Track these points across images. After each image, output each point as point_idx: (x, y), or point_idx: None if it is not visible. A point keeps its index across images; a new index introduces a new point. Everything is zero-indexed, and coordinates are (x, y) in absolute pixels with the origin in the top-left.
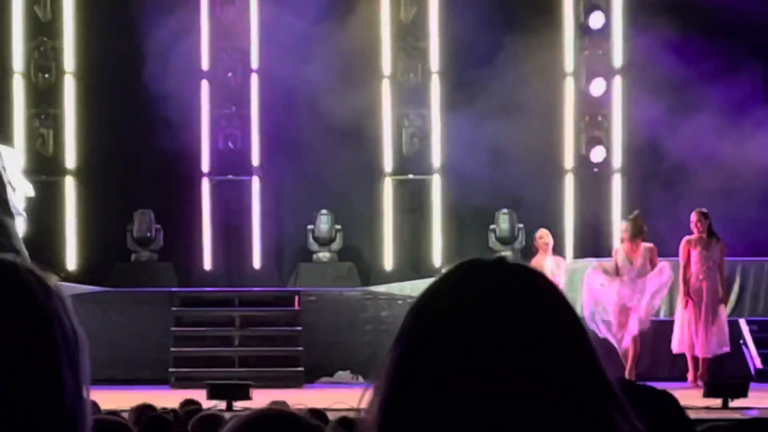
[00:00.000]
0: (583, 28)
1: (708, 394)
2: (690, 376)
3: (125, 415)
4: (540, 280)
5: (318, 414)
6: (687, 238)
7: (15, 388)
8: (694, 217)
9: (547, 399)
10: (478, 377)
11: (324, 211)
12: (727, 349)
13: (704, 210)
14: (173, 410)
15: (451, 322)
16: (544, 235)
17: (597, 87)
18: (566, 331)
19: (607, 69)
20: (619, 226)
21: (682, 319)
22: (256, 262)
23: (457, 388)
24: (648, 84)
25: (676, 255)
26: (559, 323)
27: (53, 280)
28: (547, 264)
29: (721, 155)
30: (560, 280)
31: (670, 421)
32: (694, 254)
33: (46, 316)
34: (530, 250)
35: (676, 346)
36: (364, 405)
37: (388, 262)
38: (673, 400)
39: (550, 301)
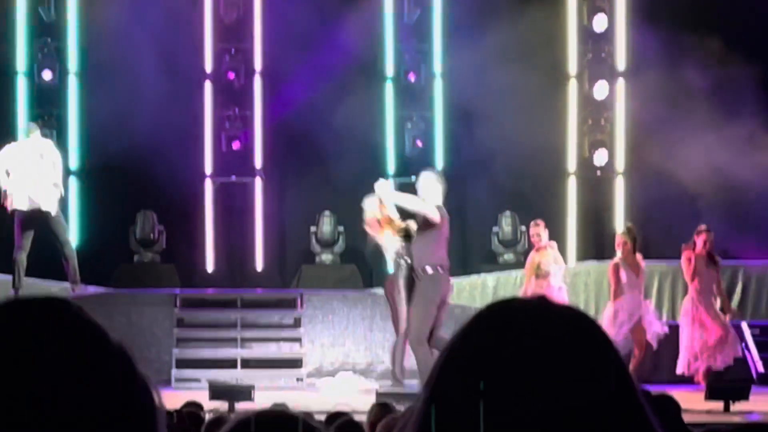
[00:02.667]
0: (586, 31)
1: (709, 397)
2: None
3: None
4: (590, 326)
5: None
6: (694, 254)
7: None
8: (704, 235)
9: None
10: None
11: (327, 212)
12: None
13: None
14: (176, 411)
15: (488, 374)
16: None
17: (600, 90)
18: (620, 384)
19: (611, 72)
20: (618, 235)
21: (692, 337)
22: (259, 264)
23: None
24: (651, 87)
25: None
26: (612, 376)
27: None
28: (547, 256)
29: (723, 158)
30: (561, 269)
31: (669, 426)
32: (705, 272)
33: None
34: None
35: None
36: None
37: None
38: (675, 405)
39: (603, 351)
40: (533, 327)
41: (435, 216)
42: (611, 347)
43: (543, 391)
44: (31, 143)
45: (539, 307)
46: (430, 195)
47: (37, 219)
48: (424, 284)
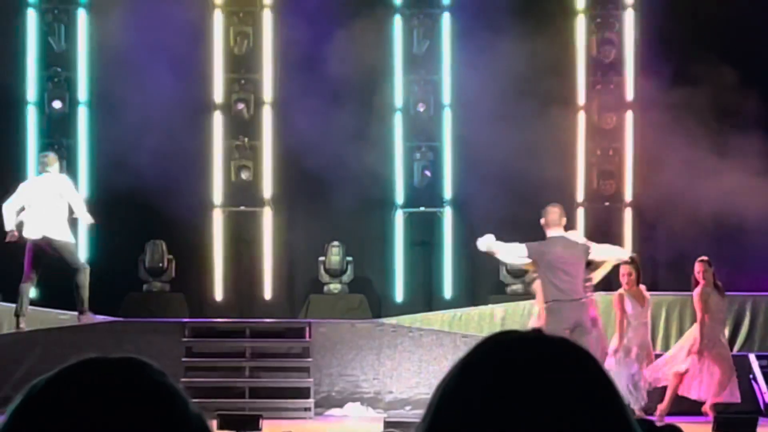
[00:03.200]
0: (595, 61)
1: (717, 429)
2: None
3: None
4: (584, 358)
5: None
6: (703, 289)
7: None
8: (696, 266)
9: None
10: None
11: (335, 242)
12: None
13: (705, 258)
14: None
15: (482, 405)
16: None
17: (608, 120)
18: (616, 417)
19: (619, 102)
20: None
21: (701, 368)
22: (267, 294)
23: None
24: (659, 118)
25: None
26: (609, 409)
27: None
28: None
29: (732, 188)
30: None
31: None
32: (714, 304)
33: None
34: None
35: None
36: None
37: (399, 294)
38: None
39: (598, 384)
40: (529, 361)
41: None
42: (607, 381)
43: (539, 425)
44: (50, 178)
45: (535, 340)
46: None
47: (47, 249)
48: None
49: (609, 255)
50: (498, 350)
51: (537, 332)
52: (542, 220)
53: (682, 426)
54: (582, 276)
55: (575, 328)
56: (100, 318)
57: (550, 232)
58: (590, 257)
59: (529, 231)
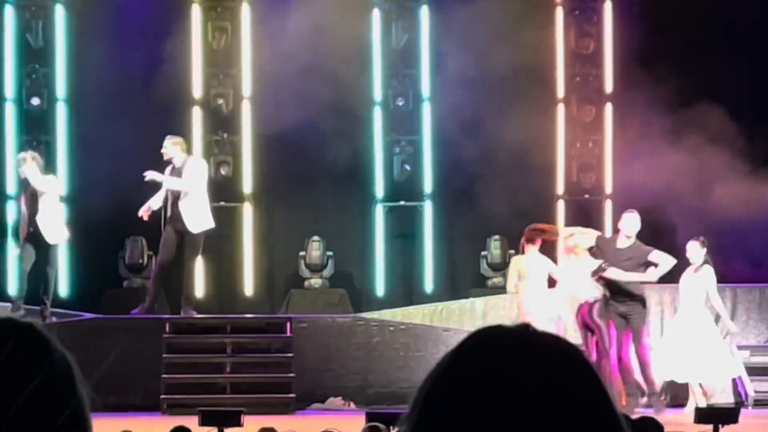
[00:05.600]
0: (573, 54)
1: (699, 420)
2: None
3: None
4: (573, 353)
5: None
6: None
7: None
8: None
9: None
10: None
11: (315, 237)
12: None
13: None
14: None
15: (469, 401)
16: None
17: (588, 113)
18: (603, 412)
19: (598, 94)
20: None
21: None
22: (248, 289)
23: None
24: (637, 108)
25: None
26: (596, 404)
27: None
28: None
29: (710, 179)
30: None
31: None
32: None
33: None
34: None
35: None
36: None
37: (380, 288)
38: (658, 427)
39: (586, 379)
40: (516, 356)
41: None
42: (596, 376)
43: (527, 421)
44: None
45: (523, 336)
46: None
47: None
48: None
49: None
50: (486, 345)
51: (525, 327)
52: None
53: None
54: None
55: None
56: (81, 315)
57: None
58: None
59: (510, 223)
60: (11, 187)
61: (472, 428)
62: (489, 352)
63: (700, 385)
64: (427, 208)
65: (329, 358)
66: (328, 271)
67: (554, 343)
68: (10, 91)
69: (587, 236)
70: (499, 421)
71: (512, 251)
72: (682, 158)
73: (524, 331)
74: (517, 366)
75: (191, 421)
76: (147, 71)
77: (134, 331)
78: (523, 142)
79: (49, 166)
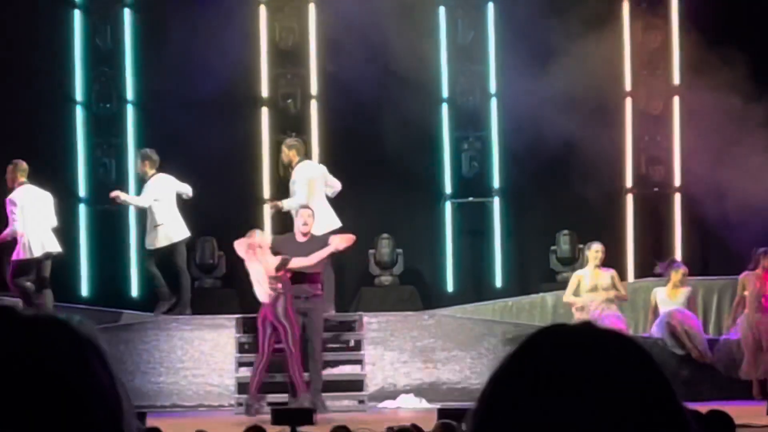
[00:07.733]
0: (641, 47)
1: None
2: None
3: None
4: (636, 350)
5: None
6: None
7: None
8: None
9: None
10: None
11: (385, 235)
12: None
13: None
14: None
15: (533, 398)
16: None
17: (655, 106)
18: (668, 407)
19: (667, 88)
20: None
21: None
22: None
23: None
24: (706, 101)
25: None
26: (661, 399)
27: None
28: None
29: None
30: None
31: None
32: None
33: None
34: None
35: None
36: None
37: (450, 285)
38: (729, 421)
39: (650, 375)
40: (579, 352)
41: None
42: (660, 372)
43: (590, 418)
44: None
45: (586, 333)
46: None
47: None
48: None
49: None
50: (549, 342)
51: (587, 325)
52: None
53: (734, 410)
54: None
55: None
56: (153, 315)
57: None
58: None
59: (579, 217)
60: (83, 190)
61: (538, 424)
62: (553, 350)
63: None
64: (496, 204)
65: (400, 354)
66: (397, 268)
67: (616, 339)
68: (79, 93)
69: None
70: (564, 416)
71: (581, 245)
72: (752, 151)
73: (587, 328)
74: (581, 362)
75: (264, 420)
76: (214, 72)
77: (206, 330)
78: (590, 137)
79: (119, 169)
